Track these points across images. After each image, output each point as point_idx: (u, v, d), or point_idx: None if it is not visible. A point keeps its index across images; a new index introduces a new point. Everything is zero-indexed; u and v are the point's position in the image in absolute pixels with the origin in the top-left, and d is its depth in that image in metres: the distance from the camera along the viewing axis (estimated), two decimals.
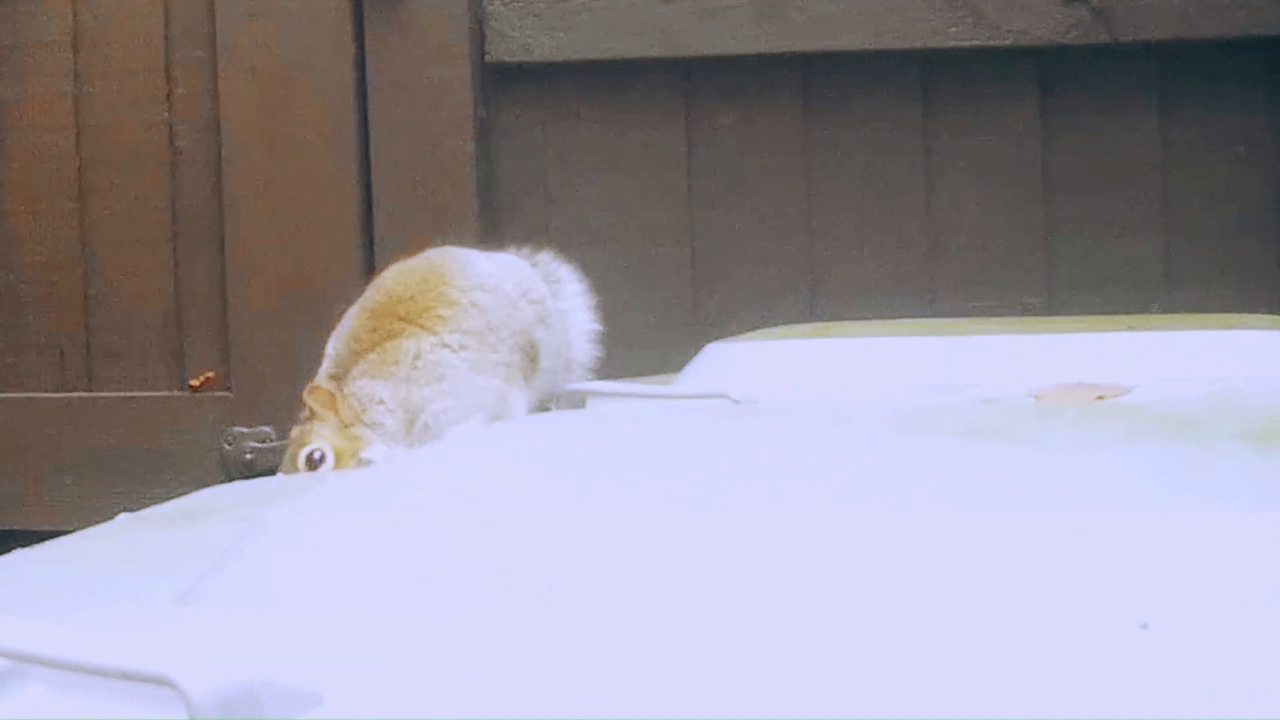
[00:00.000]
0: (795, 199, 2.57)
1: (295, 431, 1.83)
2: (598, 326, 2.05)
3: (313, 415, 1.77)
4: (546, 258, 2.08)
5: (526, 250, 2.08)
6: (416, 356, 1.78)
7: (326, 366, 1.83)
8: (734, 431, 1.29)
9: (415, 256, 1.90)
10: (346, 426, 1.75)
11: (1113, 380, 1.63)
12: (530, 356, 1.87)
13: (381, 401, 1.76)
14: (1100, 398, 1.56)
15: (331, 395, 1.75)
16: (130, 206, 2.64)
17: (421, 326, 1.80)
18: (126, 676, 0.79)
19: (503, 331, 1.84)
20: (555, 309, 1.97)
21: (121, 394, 2.65)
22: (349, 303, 2.11)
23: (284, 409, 2.54)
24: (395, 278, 1.86)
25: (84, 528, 1.36)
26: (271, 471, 2.26)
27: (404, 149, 2.56)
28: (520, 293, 1.91)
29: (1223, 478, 1.02)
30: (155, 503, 1.49)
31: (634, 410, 1.67)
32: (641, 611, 0.90)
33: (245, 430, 2.59)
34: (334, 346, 1.83)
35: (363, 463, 1.72)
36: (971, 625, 0.85)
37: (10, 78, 2.67)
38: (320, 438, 1.75)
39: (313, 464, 1.73)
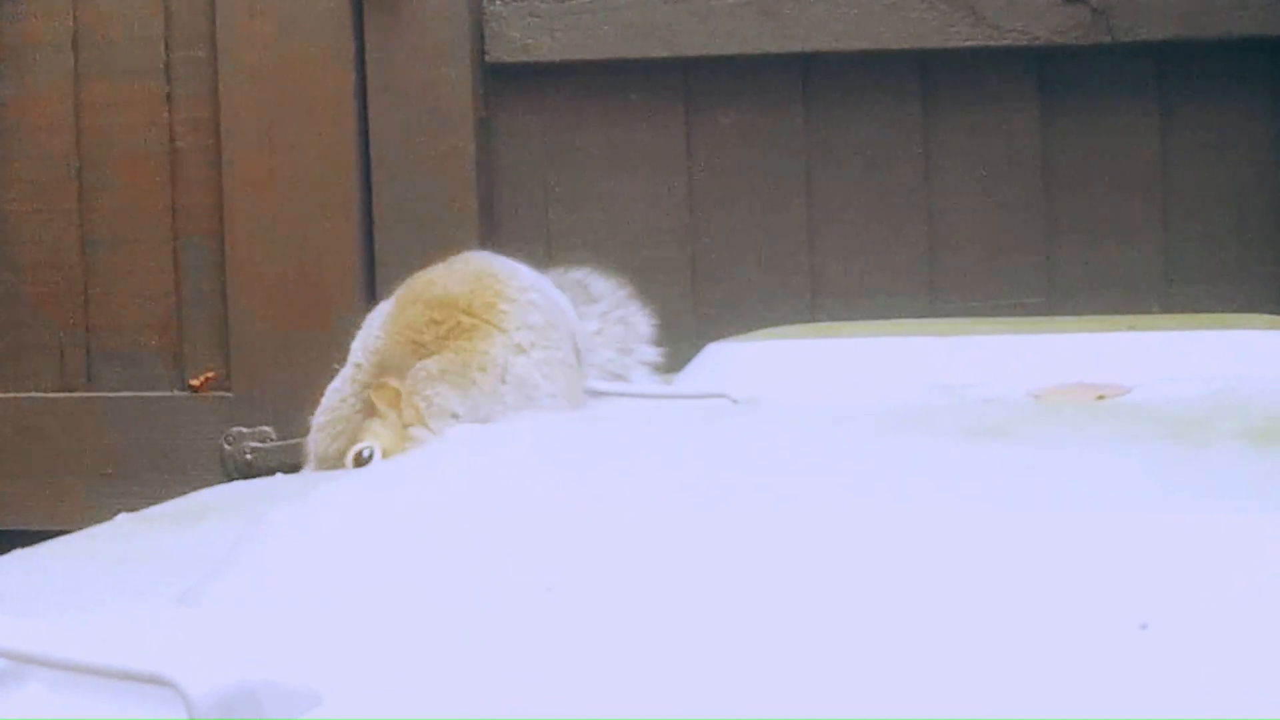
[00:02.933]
0: (795, 199, 2.57)
1: (318, 420, 1.81)
2: (652, 327, 2.05)
3: (373, 412, 1.73)
4: (584, 273, 2.08)
5: (560, 270, 2.09)
6: (504, 370, 1.74)
7: (368, 361, 1.79)
8: (734, 431, 1.29)
9: (456, 258, 1.88)
10: (405, 427, 1.72)
11: (1113, 380, 1.63)
12: (579, 361, 1.86)
13: (455, 415, 1.72)
14: (1100, 398, 1.56)
15: (397, 394, 1.72)
16: (130, 206, 2.64)
17: (490, 322, 1.76)
18: (126, 676, 0.79)
19: (561, 330, 1.82)
20: (583, 330, 1.96)
21: (121, 394, 2.65)
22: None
23: (284, 409, 2.54)
24: (445, 274, 1.83)
25: (84, 528, 1.36)
26: (271, 471, 2.26)
27: (404, 149, 2.56)
28: (565, 302, 1.90)
29: (1223, 478, 1.02)
30: (155, 503, 1.49)
31: (634, 410, 1.67)
32: (640, 611, 0.90)
33: (245, 430, 2.59)
34: (377, 341, 1.79)
35: None
36: (970, 625, 0.85)
37: (10, 78, 2.67)
38: (374, 435, 1.72)
39: (360, 461, 1.71)
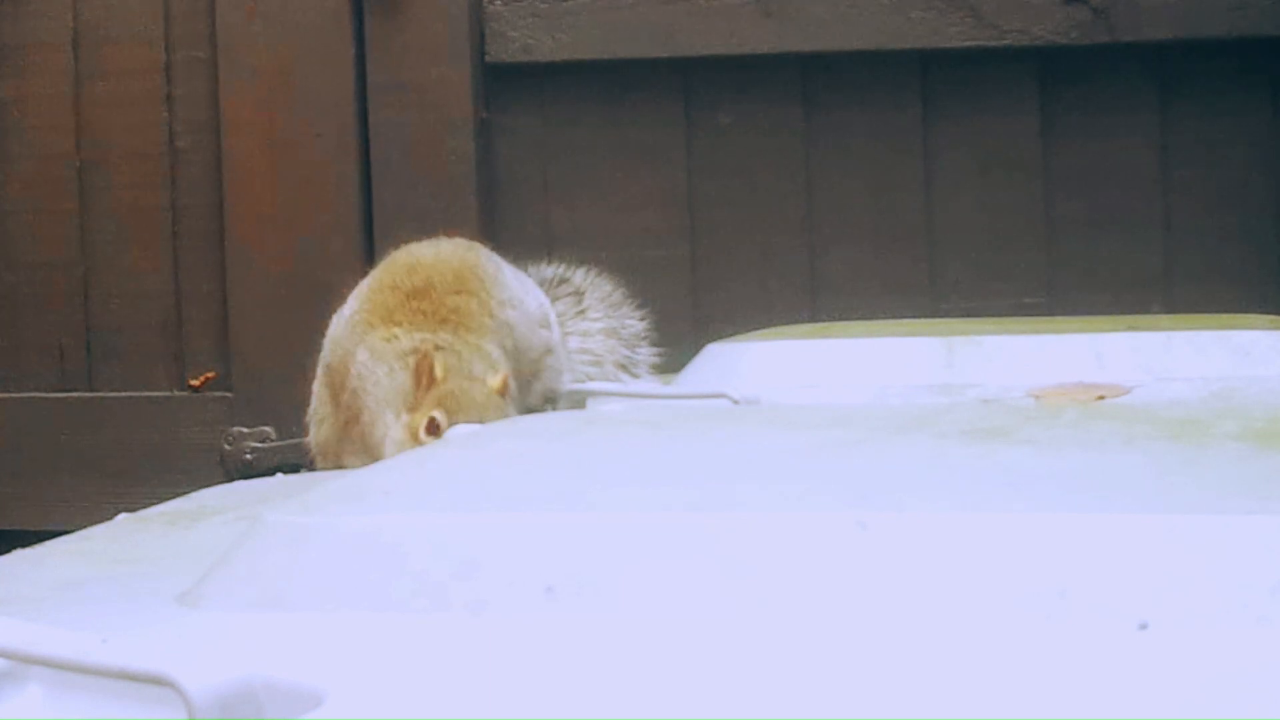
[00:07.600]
0: (795, 199, 2.57)
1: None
2: (645, 326, 2.07)
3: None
4: (563, 271, 2.10)
5: (545, 265, 2.11)
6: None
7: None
8: (733, 432, 1.29)
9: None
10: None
11: (1113, 380, 1.63)
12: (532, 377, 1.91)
13: None
14: (1100, 398, 1.56)
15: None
16: (130, 206, 2.65)
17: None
18: (126, 676, 0.79)
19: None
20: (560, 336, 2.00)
21: (121, 394, 2.65)
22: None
23: (284, 409, 2.54)
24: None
25: (84, 528, 1.36)
26: (271, 471, 2.26)
27: (404, 149, 2.56)
28: (541, 315, 1.94)
29: (1223, 478, 1.02)
30: (155, 503, 1.49)
31: (634, 410, 1.67)
32: (640, 613, 0.90)
33: (245, 430, 2.59)
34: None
35: None
36: (972, 626, 0.85)
37: (10, 78, 2.67)
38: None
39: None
